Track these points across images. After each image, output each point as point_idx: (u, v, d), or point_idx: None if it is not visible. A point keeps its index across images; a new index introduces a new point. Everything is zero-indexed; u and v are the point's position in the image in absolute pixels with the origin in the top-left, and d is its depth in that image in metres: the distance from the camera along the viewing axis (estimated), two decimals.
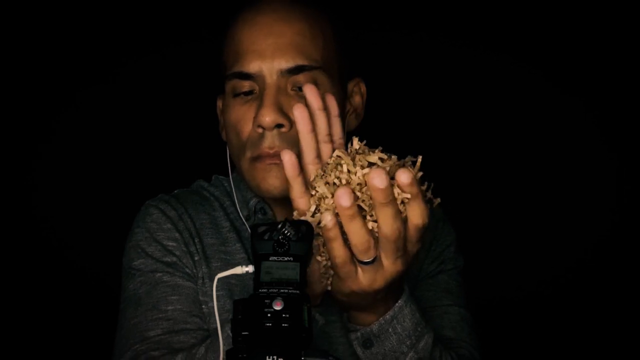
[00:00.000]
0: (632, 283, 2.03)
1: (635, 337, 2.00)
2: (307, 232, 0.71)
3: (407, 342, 0.82)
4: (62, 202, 1.97)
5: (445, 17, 2.03)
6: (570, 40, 2.01)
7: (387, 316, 0.81)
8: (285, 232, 0.70)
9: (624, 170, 2.03)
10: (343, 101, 0.99)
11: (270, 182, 0.92)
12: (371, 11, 2.02)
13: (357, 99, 1.04)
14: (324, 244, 0.74)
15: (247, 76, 0.93)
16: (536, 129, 2.05)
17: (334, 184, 0.72)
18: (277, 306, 0.64)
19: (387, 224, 0.69)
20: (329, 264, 0.75)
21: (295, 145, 0.86)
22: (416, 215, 0.70)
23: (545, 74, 2.03)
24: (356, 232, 0.70)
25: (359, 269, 0.74)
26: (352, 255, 0.73)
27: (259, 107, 0.91)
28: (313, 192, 0.74)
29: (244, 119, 0.93)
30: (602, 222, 2.02)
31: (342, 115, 0.95)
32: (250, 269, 0.72)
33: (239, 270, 0.73)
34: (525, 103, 2.05)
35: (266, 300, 0.64)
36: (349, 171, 0.71)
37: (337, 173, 0.72)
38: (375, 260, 0.72)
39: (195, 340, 0.91)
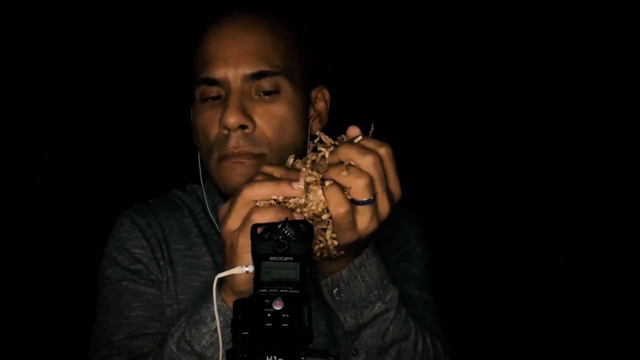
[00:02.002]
0: (626, 282, 2.03)
1: (629, 336, 2.01)
2: (307, 232, 0.71)
3: (375, 292, 0.87)
4: (62, 202, 1.98)
5: (444, 17, 2.03)
6: (567, 40, 2.01)
7: (356, 262, 0.86)
8: (285, 232, 0.70)
9: (619, 170, 2.03)
10: (306, 106, 1.05)
11: (236, 180, 0.97)
12: (371, 11, 2.02)
13: (321, 105, 1.10)
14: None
15: (213, 82, 0.99)
16: (531, 129, 2.05)
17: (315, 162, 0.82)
18: (277, 306, 0.64)
19: (368, 163, 0.77)
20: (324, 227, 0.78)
21: (258, 145, 0.97)
22: (377, 148, 0.79)
23: (541, 73, 2.03)
24: (356, 173, 0.77)
25: (357, 215, 0.78)
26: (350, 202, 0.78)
27: (224, 109, 0.97)
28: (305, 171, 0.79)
29: (211, 122, 1.00)
30: (597, 222, 2.02)
31: (305, 119, 1.04)
32: (250, 269, 0.72)
33: (239, 270, 0.74)
34: (521, 103, 2.05)
35: (266, 300, 0.64)
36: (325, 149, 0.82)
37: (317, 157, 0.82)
38: (374, 199, 0.78)
39: (153, 344, 0.96)
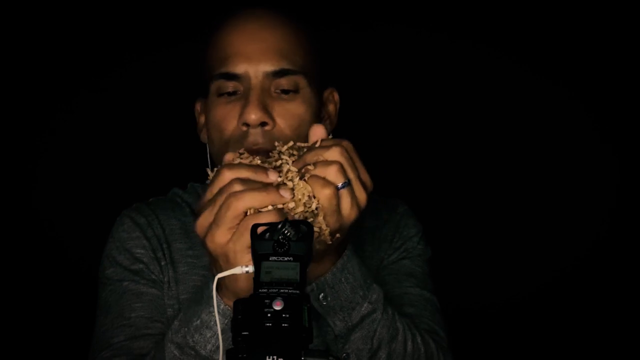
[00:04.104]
0: (631, 286, 2.03)
1: (632, 342, 2.00)
2: (307, 232, 0.71)
3: (360, 293, 0.87)
4: (62, 201, 1.98)
5: (447, 17, 2.03)
6: (571, 40, 2.01)
7: (338, 264, 0.87)
8: (285, 232, 0.70)
9: (624, 175, 2.03)
10: (319, 107, 1.05)
11: None
12: (372, 11, 2.02)
13: (331, 107, 1.09)
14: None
15: (233, 77, 0.98)
16: (536, 132, 2.05)
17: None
18: (277, 306, 0.64)
19: (335, 154, 0.80)
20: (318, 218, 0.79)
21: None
22: (339, 142, 0.82)
23: (546, 75, 2.03)
24: (325, 163, 0.80)
25: (341, 199, 0.80)
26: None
27: (245, 105, 0.95)
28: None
29: (227, 117, 0.98)
30: (601, 226, 2.03)
31: (319, 120, 1.03)
32: (250, 269, 0.72)
33: (239, 270, 0.74)
34: (526, 107, 2.05)
35: (266, 300, 0.64)
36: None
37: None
38: (349, 183, 0.80)
39: (154, 345, 0.94)
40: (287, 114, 0.97)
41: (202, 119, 1.09)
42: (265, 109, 0.95)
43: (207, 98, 1.03)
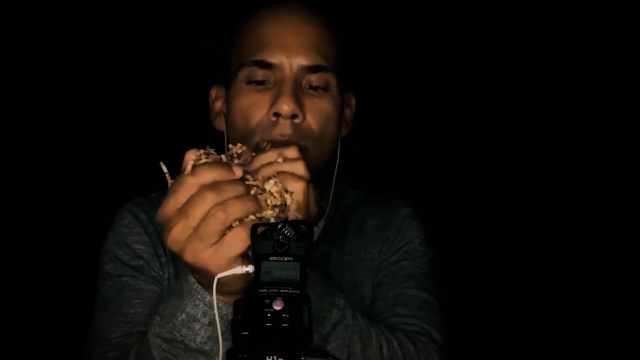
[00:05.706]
0: (629, 282, 2.03)
1: (631, 337, 2.00)
2: (307, 232, 0.71)
3: (328, 299, 0.86)
4: (67, 203, 1.98)
5: (447, 16, 2.03)
6: (572, 38, 2.01)
7: None
8: (285, 232, 0.70)
9: (624, 170, 2.03)
10: (342, 108, 1.05)
11: None
12: (372, 9, 2.02)
13: (348, 111, 1.10)
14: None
15: (267, 65, 0.98)
16: (535, 128, 2.05)
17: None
18: (277, 306, 0.64)
19: (295, 152, 0.81)
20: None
21: (303, 138, 0.95)
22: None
23: (546, 72, 2.03)
24: (291, 160, 0.80)
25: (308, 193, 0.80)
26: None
27: (278, 95, 0.96)
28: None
29: (256, 105, 0.98)
30: (602, 225, 2.03)
31: (339, 120, 1.03)
32: (250, 269, 0.72)
33: (239, 270, 0.73)
34: (524, 103, 2.05)
35: (266, 300, 0.64)
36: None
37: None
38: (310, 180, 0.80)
39: (139, 340, 0.93)
40: (317, 110, 0.98)
41: (217, 106, 1.09)
42: (298, 102, 0.95)
43: (229, 85, 1.03)
